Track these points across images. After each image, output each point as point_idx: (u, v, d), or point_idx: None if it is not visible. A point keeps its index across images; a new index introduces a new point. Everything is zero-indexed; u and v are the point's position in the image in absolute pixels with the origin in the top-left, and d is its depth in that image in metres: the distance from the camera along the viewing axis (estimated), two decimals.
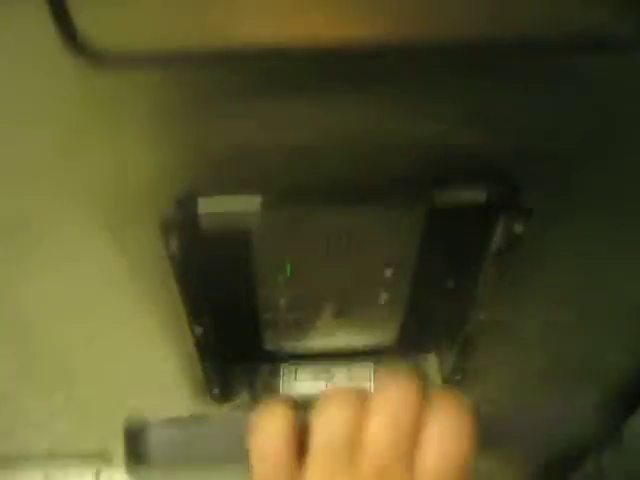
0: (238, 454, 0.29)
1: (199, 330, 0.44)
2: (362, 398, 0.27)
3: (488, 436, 0.28)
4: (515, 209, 0.39)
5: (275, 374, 0.55)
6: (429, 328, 0.52)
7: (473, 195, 0.39)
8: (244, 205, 0.38)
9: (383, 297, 0.47)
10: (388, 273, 0.44)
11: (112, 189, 0.37)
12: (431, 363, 0.56)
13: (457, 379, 0.52)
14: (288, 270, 0.43)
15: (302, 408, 0.28)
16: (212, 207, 0.38)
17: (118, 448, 0.29)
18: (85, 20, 0.26)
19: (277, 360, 0.55)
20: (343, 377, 0.55)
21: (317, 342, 0.51)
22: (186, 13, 0.26)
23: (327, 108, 0.32)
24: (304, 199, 0.38)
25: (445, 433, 0.26)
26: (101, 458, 0.65)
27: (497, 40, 0.29)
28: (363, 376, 0.55)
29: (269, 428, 0.28)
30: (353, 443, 0.26)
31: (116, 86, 0.30)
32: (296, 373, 0.55)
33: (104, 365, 0.52)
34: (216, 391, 0.53)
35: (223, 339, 0.47)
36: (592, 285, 0.49)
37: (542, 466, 0.73)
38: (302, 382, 0.54)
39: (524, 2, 0.28)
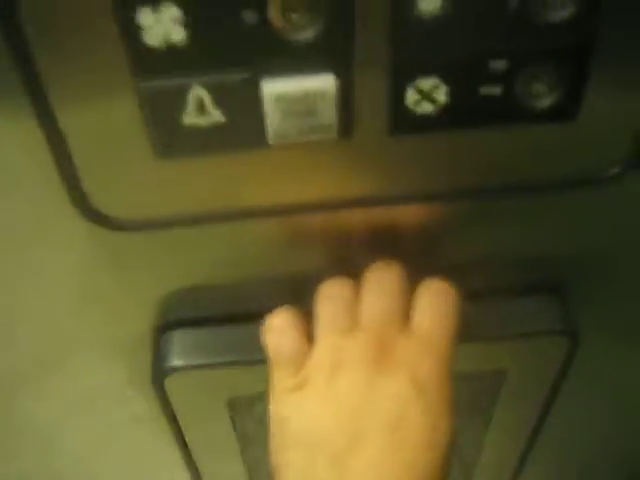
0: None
1: None
2: (355, 283, 0.30)
3: (469, 322, 0.30)
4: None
5: None
6: None
7: None
8: None
9: None
10: None
11: (124, 330, 0.36)
12: None
13: None
14: None
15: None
16: None
17: None
18: (96, 190, 0.27)
19: None
20: None
21: None
22: (189, 183, 0.28)
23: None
24: None
25: (434, 299, 0.29)
26: None
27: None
28: None
29: (277, 314, 0.30)
30: (352, 316, 0.29)
31: (124, 243, 0.31)
32: None
33: None
34: None
35: None
36: None
37: None
38: None
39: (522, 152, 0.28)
